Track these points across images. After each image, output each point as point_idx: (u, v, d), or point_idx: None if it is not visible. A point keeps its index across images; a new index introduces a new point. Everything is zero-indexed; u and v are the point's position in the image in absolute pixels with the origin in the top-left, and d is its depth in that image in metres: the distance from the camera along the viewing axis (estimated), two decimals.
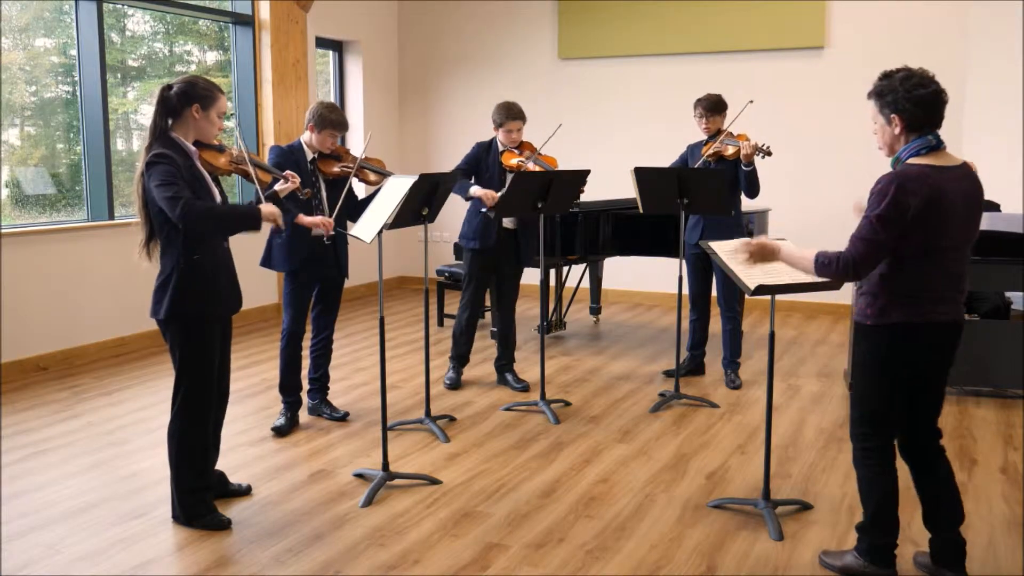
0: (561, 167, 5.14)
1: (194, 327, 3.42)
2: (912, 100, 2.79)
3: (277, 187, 3.87)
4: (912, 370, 2.95)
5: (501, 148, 5.25)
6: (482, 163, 5.24)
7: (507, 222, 5.27)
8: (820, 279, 2.99)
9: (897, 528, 3.06)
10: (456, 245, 5.50)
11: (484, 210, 5.12)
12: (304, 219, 4.34)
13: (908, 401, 3.02)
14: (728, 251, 3.53)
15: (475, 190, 5.09)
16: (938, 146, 2.83)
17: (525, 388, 5.42)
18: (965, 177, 2.85)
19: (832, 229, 7.28)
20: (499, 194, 5.02)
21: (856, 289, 2.99)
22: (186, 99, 3.37)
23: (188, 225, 3.29)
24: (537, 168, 5.11)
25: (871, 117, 2.94)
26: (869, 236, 2.79)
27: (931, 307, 2.86)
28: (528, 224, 5.34)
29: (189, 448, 3.48)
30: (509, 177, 5.16)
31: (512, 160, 5.18)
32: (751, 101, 5.42)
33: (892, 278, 2.86)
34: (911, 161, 2.82)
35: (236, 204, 3.50)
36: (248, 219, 3.43)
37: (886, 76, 2.87)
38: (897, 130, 2.85)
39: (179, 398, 3.47)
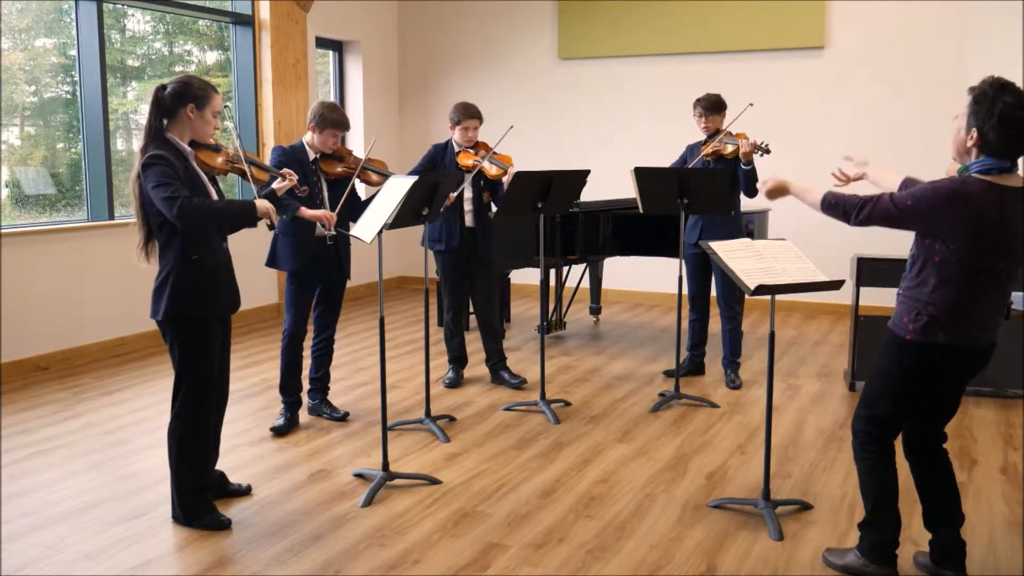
0: (562, 168, 5.14)
1: (193, 327, 3.42)
2: (998, 131, 2.70)
3: (275, 185, 3.88)
4: (937, 388, 2.94)
5: (457, 148, 5.27)
6: (439, 164, 5.27)
7: (468, 220, 5.29)
8: (821, 211, 2.97)
9: (898, 525, 3.06)
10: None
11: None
12: (307, 212, 4.36)
13: (923, 411, 3.01)
14: (729, 251, 3.53)
15: None
16: (1010, 170, 2.76)
17: (523, 382, 5.42)
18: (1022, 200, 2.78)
19: (832, 229, 7.30)
20: (454, 194, 5.02)
21: (898, 293, 2.95)
22: (180, 99, 3.37)
23: (186, 224, 3.29)
24: (494, 167, 5.13)
25: (958, 111, 2.83)
26: (893, 207, 2.78)
27: (975, 331, 2.82)
28: (485, 225, 5.35)
29: (189, 448, 3.48)
30: (467, 179, 5.18)
31: (468, 160, 5.20)
32: (751, 104, 5.43)
33: (943, 298, 2.80)
34: (976, 176, 2.76)
35: (232, 200, 3.50)
36: (244, 214, 3.44)
37: (993, 85, 2.75)
38: (970, 143, 2.78)
39: (179, 398, 3.47)
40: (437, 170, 5.23)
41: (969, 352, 2.86)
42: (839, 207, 2.90)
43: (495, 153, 5.24)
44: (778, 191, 3.21)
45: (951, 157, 2.90)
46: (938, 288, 2.80)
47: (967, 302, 2.79)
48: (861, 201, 2.86)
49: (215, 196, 3.49)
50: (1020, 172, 2.81)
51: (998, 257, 2.77)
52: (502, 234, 5.88)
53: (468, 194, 5.26)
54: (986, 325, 2.85)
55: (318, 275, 4.65)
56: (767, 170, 6.26)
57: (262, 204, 3.45)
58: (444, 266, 5.41)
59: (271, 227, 3.55)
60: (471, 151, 5.25)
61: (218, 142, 3.59)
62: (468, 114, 5.22)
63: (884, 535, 3.04)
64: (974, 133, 2.75)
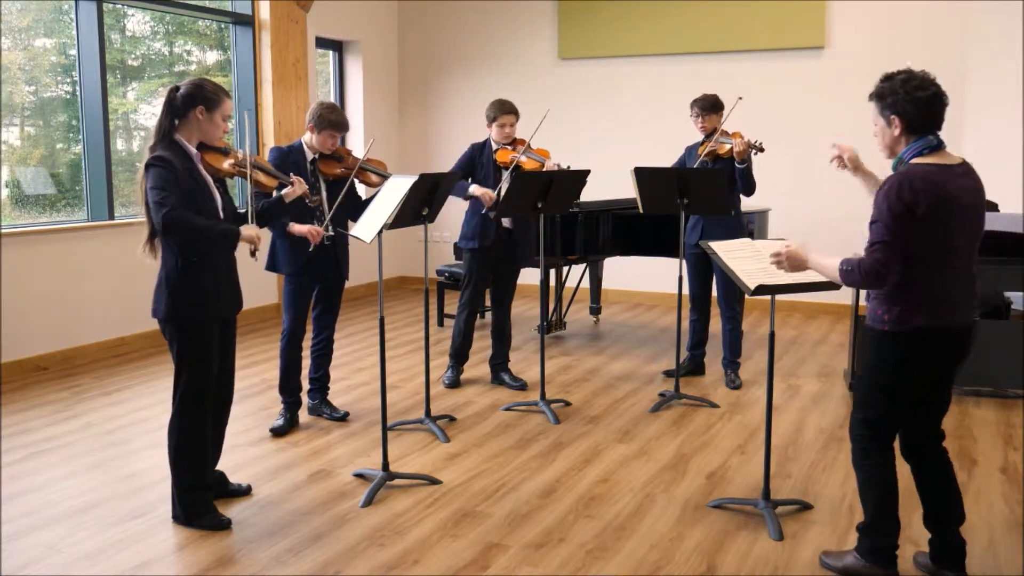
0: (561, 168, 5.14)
1: (191, 328, 3.42)
2: (913, 102, 2.80)
3: (284, 192, 3.85)
4: (926, 376, 2.95)
5: (495, 146, 5.26)
6: (476, 163, 5.26)
7: (504, 221, 5.28)
8: (844, 284, 2.93)
9: (898, 528, 3.06)
10: (456, 246, 5.52)
11: (484, 211, 5.13)
12: (295, 228, 4.35)
13: (916, 404, 3.01)
14: (729, 251, 3.53)
15: (473, 189, 5.11)
16: (939, 146, 2.85)
17: (523, 386, 5.42)
18: (966, 174, 2.86)
19: (831, 229, 7.31)
20: (496, 191, 5.05)
21: (867, 293, 3.01)
22: (191, 101, 3.38)
23: (166, 233, 3.29)
24: (532, 161, 5.13)
25: (872, 119, 2.94)
26: (884, 238, 2.77)
27: (950, 312, 2.85)
28: (523, 223, 5.35)
29: (187, 446, 3.48)
30: (504, 175, 5.17)
31: (506, 156, 5.19)
32: (740, 98, 5.41)
33: (908, 283, 2.84)
34: (915, 161, 2.83)
35: (219, 222, 3.44)
36: (226, 239, 3.40)
37: (887, 78, 2.88)
38: (897, 131, 2.86)
39: (177, 396, 3.47)
40: (475, 169, 5.24)
41: (948, 333, 2.88)
42: (854, 272, 2.82)
43: (531, 147, 5.23)
44: (797, 266, 3.05)
45: (886, 158, 2.95)
46: (904, 276, 2.84)
47: (934, 282, 2.83)
48: (866, 270, 2.78)
49: (219, 200, 3.48)
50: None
51: (953, 234, 2.81)
52: None
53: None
54: (959, 304, 2.88)
55: (316, 276, 4.65)
56: (767, 170, 6.27)
57: (248, 232, 3.43)
58: (472, 264, 5.37)
59: (253, 254, 3.52)
60: (508, 147, 5.24)
61: (228, 145, 3.59)
62: (504, 110, 5.20)
63: (885, 539, 3.03)
64: (896, 120, 2.84)
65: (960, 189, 2.79)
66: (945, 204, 2.75)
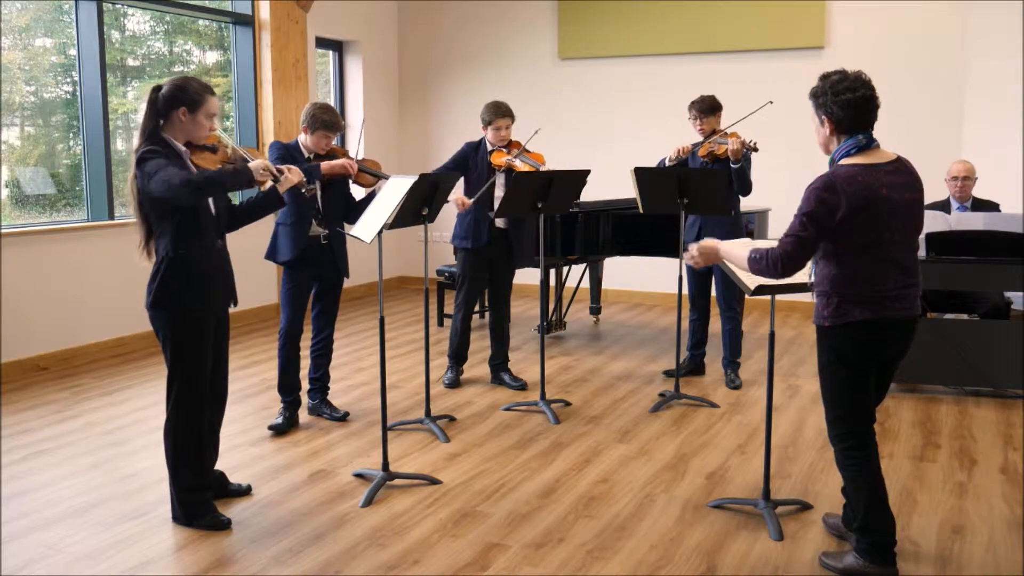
0: (561, 167, 5.14)
1: (180, 319, 3.38)
2: (839, 104, 2.89)
3: (280, 181, 3.82)
4: (872, 366, 3.01)
5: (490, 147, 5.26)
6: (470, 162, 5.26)
7: (499, 222, 5.27)
8: (753, 273, 3.05)
9: (893, 523, 3.07)
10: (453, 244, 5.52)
11: (491, 214, 5.14)
12: (325, 165, 4.44)
13: (873, 388, 3.08)
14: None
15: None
16: (869, 145, 2.92)
17: (523, 386, 5.42)
18: (897, 171, 2.93)
19: None
20: (471, 200, 5.08)
21: (813, 292, 3.10)
22: (173, 102, 3.36)
23: (188, 194, 3.22)
24: (525, 165, 5.13)
25: (810, 118, 3.03)
26: (797, 233, 2.89)
27: (888, 304, 2.92)
28: (519, 224, 5.35)
29: (184, 445, 3.47)
30: (497, 176, 5.17)
31: (501, 159, 5.19)
32: (771, 101, 5.45)
33: (843, 277, 2.92)
34: (843, 162, 2.91)
35: (221, 170, 3.45)
36: (240, 176, 3.36)
37: (823, 78, 2.97)
38: (827, 131, 2.96)
39: (172, 394, 3.45)
40: (468, 168, 5.24)
41: (886, 324, 2.94)
42: (762, 260, 2.97)
43: (527, 151, 5.23)
44: (709, 259, 3.25)
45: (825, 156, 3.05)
46: (838, 271, 2.93)
47: (867, 276, 2.90)
48: (773, 259, 2.92)
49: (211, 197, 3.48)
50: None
51: (883, 229, 2.87)
52: None
53: (500, 192, 5.22)
54: (896, 296, 2.93)
55: (314, 275, 4.65)
56: (767, 170, 6.27)
57: (256, 164, 3.39)
58: (466, 263, 5.36)
59: (307, 192, 3.60)
60: (503, 150, 5.24)
61: (215, 143, 3.58)
62: (499, 113, 5.20)
63: (881, 536, 3.05)
64: (826, 121, 2.94)
65: (888, 185, 2.87)
66: (867, 202, 2.83)
